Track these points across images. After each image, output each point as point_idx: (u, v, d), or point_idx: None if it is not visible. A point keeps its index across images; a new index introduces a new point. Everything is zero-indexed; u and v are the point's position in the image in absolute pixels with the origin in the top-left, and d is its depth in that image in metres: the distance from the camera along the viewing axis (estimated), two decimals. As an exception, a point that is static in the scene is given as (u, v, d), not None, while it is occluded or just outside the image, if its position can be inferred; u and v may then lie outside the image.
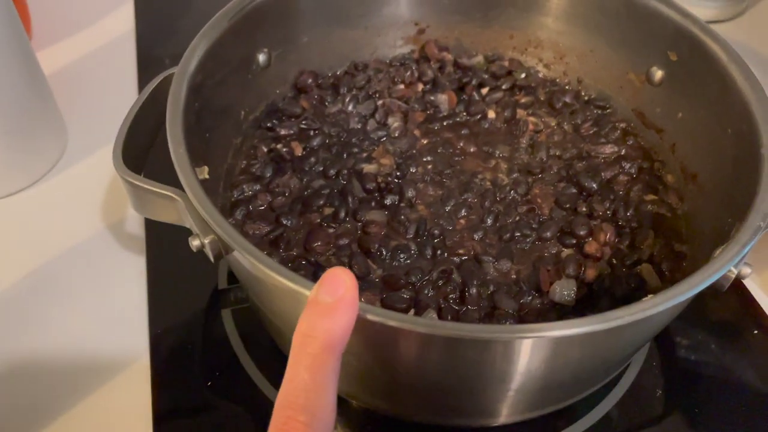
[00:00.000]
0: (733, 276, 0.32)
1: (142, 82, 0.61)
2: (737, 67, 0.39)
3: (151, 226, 0.49)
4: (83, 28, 0.68)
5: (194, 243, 0.33)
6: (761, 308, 0.46)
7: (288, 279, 0.29)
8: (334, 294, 0.25)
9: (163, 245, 0.48)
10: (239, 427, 0.40)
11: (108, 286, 0.47)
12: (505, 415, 0.38)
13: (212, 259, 0.33)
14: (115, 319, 0.45)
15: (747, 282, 0.48)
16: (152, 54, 0.65)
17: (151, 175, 0.36)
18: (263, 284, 0.32)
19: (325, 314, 0.25)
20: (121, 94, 0.61)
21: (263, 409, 0.41)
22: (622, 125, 0.49)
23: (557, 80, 0.52)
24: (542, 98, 0.51)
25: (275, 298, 0.33)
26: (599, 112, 0.50)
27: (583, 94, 0.51)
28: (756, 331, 0.45)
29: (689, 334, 0.45)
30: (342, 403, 0.41)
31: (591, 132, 0.48)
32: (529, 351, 0.30)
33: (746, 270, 0.33)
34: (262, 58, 0.46)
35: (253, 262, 0.29)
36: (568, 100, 0.50)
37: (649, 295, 0.29)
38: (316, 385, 0.24)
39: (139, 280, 0.47)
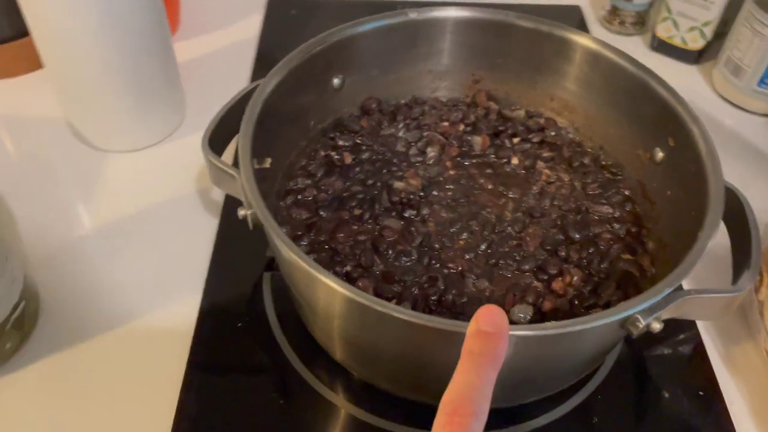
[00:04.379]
0: (641, 326, 0.39)
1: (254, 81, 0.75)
2: (711, 161, 0.46)
3: (229, 197, 0.62)
4: (218, 28, 0.83)
5: (240, 212, 0.45)
6: (715, 376, 0.52)
7: (293, 252, 0.39)
8: (495, 326, 0.31)
9: (235, 214, 0.60)
10: (253, 379, 0.50)
11: (183, 238, 0.60)
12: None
13: (251, 227, 0.45)
14: (180, 267, 0.57)
15: (711, 351, 0.54)
16: (268, 59, 0.78)
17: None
18: (280, 253, 0.43)
19: (490, 339, 0.31)
20: (234, 89, 0.75)
21: (277, 362, 0.51)
22: (626, 192, 0.56)
23: (582, 143, 0.60)
24: (565, 156, 0.58)
25: (287, 266, 0.44)
26: (610, 176, 0.57)
27: (601, 158, 0.58)
28: (701, 393, 0.51)
29: (646, 383, 0.52)
30: (344, 372, 0.50)
31: (596, 192, 0.56)
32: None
33: (656, 325, 0.40)
34: (336, 81, 0.57)
35: (271, 234, 0.41)
36: (586, 161, 0.58)
37: (551, 321, 0.37)
38: (485, 389, 0.29)
39: (209, 239, 0.60)
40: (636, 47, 0.83)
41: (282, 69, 0.51)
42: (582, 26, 0.87)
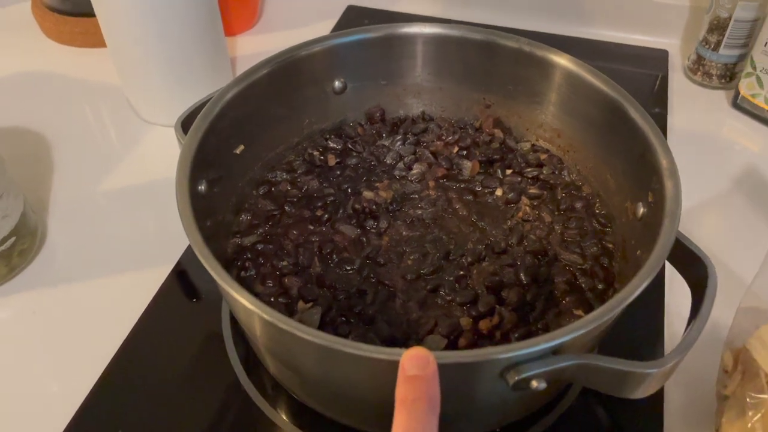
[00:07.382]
0: (516, 378, 0.35)
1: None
2: (671, 220, 0.41)
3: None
4: (294, 27, 0.88)
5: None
6: None
7: (210, 266, 0.38)
8: (421, 369, 0.31)
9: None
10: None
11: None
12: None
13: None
14: (168, 238, 0.61)
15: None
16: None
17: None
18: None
19: (420, 382, 0.30)
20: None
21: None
22: (610, 245, 0.51)
23: (581, 187, 0.55)
24: (557, 197, 0.54)
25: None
26: (599, 227, 0.52)
27: (596, 207, 0.53)
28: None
29: None
30: (284, 394, 0.49)
31: (574, 239, 0.51)
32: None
33: (535, 384, 0.36)
34: (337, 85, 0.58)
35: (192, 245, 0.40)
36: (578, 206, 0.53)
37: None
38: None
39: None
40: (715, 103, 0.75)
41: (262, 68, 0.53)
42: (665, 72, 0.80)
